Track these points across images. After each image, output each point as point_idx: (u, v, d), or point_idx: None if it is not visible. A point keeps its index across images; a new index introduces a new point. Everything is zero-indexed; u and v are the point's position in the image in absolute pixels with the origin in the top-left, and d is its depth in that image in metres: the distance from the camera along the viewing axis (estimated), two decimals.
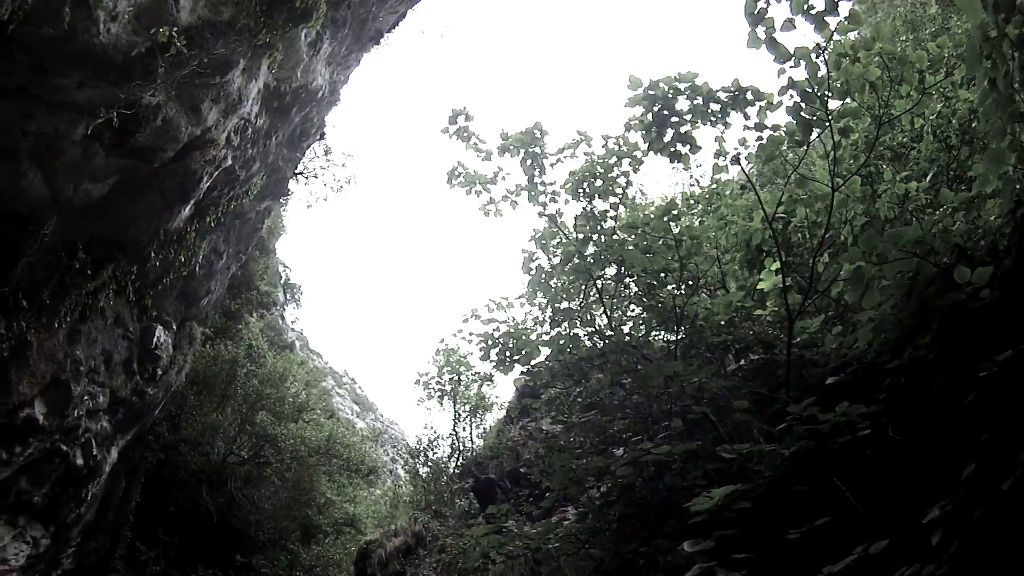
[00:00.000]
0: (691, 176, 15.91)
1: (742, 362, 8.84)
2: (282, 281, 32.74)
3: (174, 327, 17.10)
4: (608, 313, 10.40)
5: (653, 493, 8.60)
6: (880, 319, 6.13)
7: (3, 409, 11.87)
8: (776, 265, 8.36)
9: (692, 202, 11.30)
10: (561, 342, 10.79)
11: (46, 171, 10.62)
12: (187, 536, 22.11)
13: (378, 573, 24.33)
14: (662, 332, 10.30)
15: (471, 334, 11.69)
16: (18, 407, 12.10)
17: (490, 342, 11.24)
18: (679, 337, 9.49)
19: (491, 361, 11.40)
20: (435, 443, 24.94)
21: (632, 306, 11.22)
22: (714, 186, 10.99)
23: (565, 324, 11.02)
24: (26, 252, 11.14)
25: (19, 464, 13.06)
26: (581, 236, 10.24)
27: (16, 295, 11.27)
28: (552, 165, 10.44)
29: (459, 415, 24.24)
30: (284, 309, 34.15)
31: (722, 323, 8.96)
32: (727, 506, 6.50)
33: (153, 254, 14.09)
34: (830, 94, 7.57)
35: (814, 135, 7.85)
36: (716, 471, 7.32)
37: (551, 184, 10.56)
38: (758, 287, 8.77)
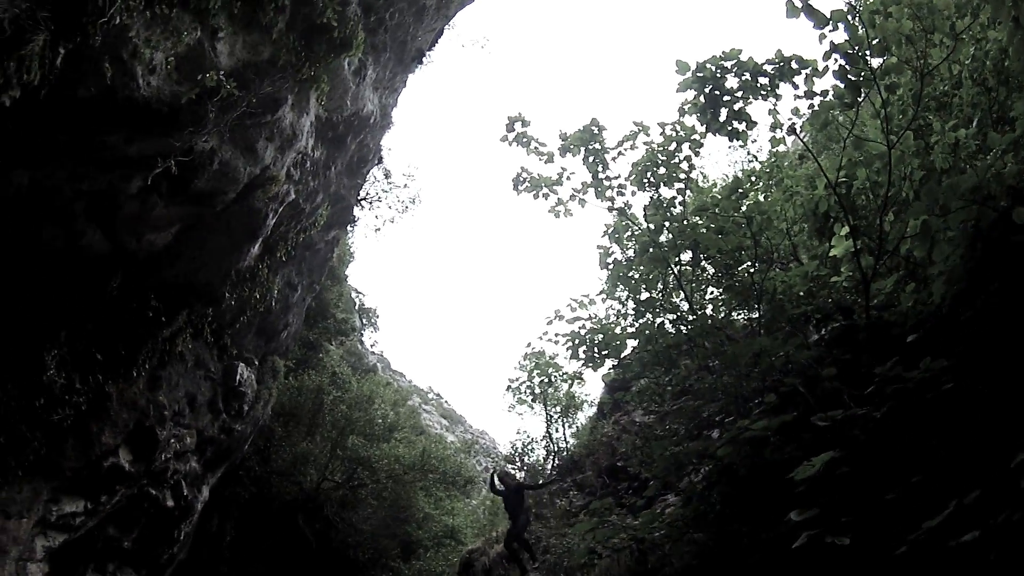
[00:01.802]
0: (748, 153, 16.20)
1: (823, 332, 9.15)
2: (357, 307, 33.57)
3: (256, 363, 17.75)
4: (688, 298, 10.78)
5: (753, 471, 9.00)
6: (950, 271, 6.42)
7: (87, 460, 12.42)
8: (845, 230, 8.65)
9: (754, 179, 11.58)
10: (647, 332, 11.20)
11: (105, 228, 10.95)
12: (286, 566, 22.79)
13: None
14: (743, 311, 10.63)
15: (557, 335, 12.06)
16: (102, 457, 12.67)
17: (577, 340, 11.66)
18: (760, 313, 9.85)
19: (580, 359, 11.84)
20: (529, 447, 25.52)
21: (710, 289, 11.57)
22: (773, 160, 11.29)
23: (648, 314, 11.44)
24: (95, 307, 11.60)
25: (106, 512, 13.64)
26: (653, 225, 10.63)
27: (90, 350, 11.74)
28: (614, 159, 10.80)
29: (551, 417, 24.76)
30: (362, 334, 34.96)
31: (800, 294, 9.29)
32: (827, 473, 6.92)
33: (227, 294, 14.58)
34: (870, 53, 7.89)
35: (862, 96, 8.16)
36: (812, 441, 7.70)
37: (615, 178, 10.92)
38: (830, 254, 9.08)
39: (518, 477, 24.35)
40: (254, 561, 21.65)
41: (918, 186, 7.96)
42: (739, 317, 11.06)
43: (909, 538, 5.68)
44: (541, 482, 21.85)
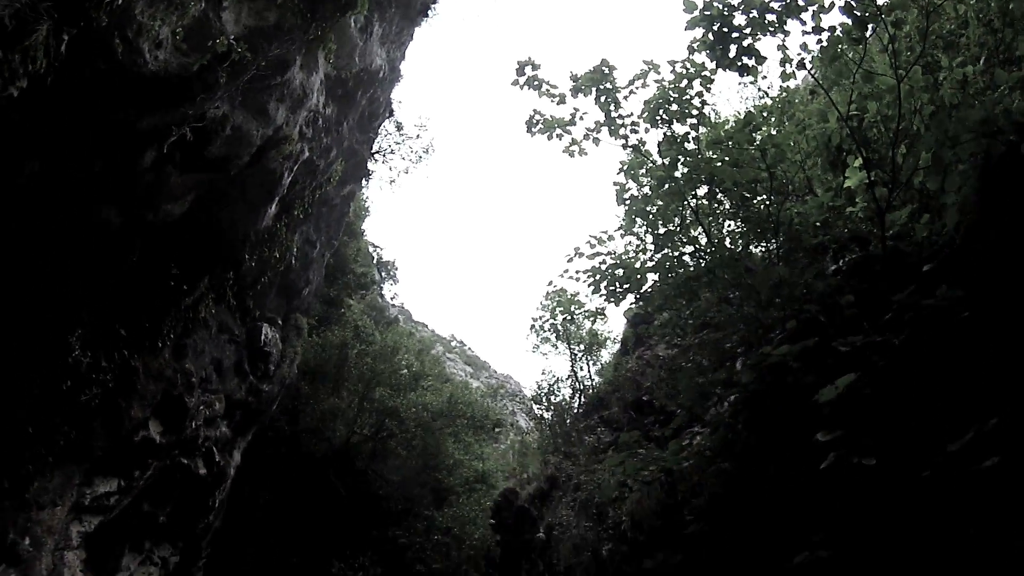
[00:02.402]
0: (759, 90, 16.30)
1: (840, 262, 9.43)
2: (375, 261, 33.89)
3: (279, 322, 18.15)
4: (706, 231, 11.06)
5: (776, 397, 9.38)
6: (962, 201, 6.71)
7: (117, 437, 12.71)
8: (858, 162, 8.88)
9: (766, 114, 11.75)
10: (667, 264, 11.54)
11: (121, 204, 11.25)
12: (319, 522, 23.50)
13: (515, 522, 25.57)
14: (760, 243, 10.91)
15: (577, 272, 12.40)
16: (132, 431, 13.00)
17: (598, 276, 12.02)
18: (777, 244, 10.13)
19: (601, 294, 12.20)
20: (555, 386, 25.95)
21: (727, 222, 11.83)
22: (784, 95, 11.47)
23: (667, 248, 11.74)
24: (116, 283, 11.89)
25: (140, 488, 13.96)
26: (667, 160, 10.89)
27: (113, 326, 12.01)
28: (625, 98, 11.02)
29: (575, 355, 25.14)
30: (382, 288, 35.28)
31: (816, 224, 9.57)
32: (850, 396, 7.29)
33: (247, 256, 15.00)
34: None
35: (869, 31, 8.36)
36: (833, 367, 8.04)
37: (628, 116, 11.15)
38: (845, 185, 9.32)
39: (545, 418, 24.86)
40: (288, 522, 22.18)
41: (928, 119, 8.17)
42: (757, 250, 11.32)
43: (933, 462, 6.05)
44: None
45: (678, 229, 11.65)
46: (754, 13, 8.75)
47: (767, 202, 10.06)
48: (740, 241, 11.20)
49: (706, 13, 8.90)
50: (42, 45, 7.71)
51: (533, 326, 25.47)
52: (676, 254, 11.65)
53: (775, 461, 9.51)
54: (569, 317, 24.69)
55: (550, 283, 25.28)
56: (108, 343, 11.93)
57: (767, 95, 14.13)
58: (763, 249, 11.11)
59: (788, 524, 8.97)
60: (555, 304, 24.39)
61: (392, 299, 38.29)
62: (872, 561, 7.08)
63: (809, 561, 7.75)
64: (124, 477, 13.32)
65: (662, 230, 11.76)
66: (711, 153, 10.58)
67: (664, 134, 10.94)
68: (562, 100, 11.40)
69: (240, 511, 19.59)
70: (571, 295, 23.21)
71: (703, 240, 11.34)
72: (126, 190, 11.14)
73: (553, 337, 25.47)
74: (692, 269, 11.16)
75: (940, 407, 6.15)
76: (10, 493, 10.78)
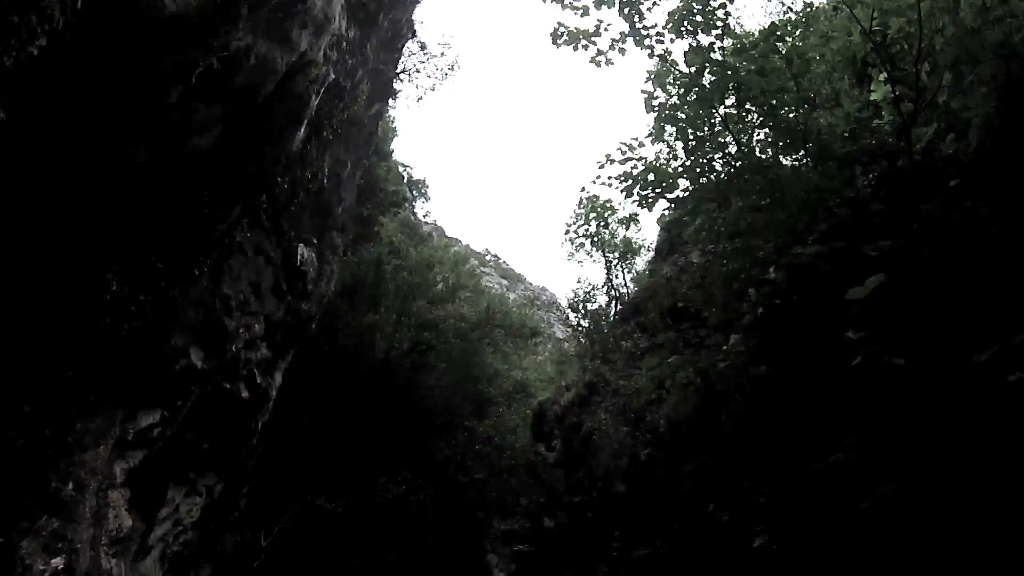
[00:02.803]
0: (783, 4, 16.12)
1: (870, 176, 9.56)
2: (405, 181, 33.91)
3: (314, 242, 18.21)
4: (736, 139, 11.20)
5: (807, 298, 9.65)
6: (984, 121, 6.84)
7: (159, 368, 12.72)
8: (883, 76, 8.98)
9: (789, 28, 11.71)
10: (698, 170, 11.74)
11: (149, 143, 11.07)
12: (361, 439, 24.02)
13: (555, 429, 26.21)
14: (789, 153, 11.02)
15: (609, 178, 12.54)
16: (173, 360, 13.02)
17: (630, 180, 12.19)
18: (807, 152, 10.27)
19: (634, 200, 12.42)
20: (591, 294, 26.32)
21: (756, 133, 11.93)
22: (807, 9, 11.43)
23: (698, 154, 11.90)
24: (149, 218, 11.67)
25: (182, 417, 14.01)
26: (694, 68, 10.99)
27: (149, 260, 11.91)
28: (649, 9, 11.10)
29: (610, 263, 25.42)
30: (413, 206, 35.27)
31: (844, 135, 9.68)
32: (879, 299, 7.55)
33: (279, 180, 14.97)
34: None
35: None
36: (862, 271, 8.27)
37: (652, 27, 11.26)
38: (871, 99, 9.41)
39: (581, 326, 25.28)
40: (330, 441, 22.69)
41: (949, 39, 8.22)
42: (786, 160, 11.44)
43: (960, 370, 6.32)
44: None
45: (708, 137, 11.78)
46: None
47: (795, 111, 10.16)
48: (770, 151, 11.31)
49: None
50: (58, 2, 7.70)
51: (567, 231, 25.76)
52: (706, 160, 11.82)
53: (807, 363, 9.82)
54: (603, 223, 24.91)
55: (582, 189, 25.47)
56: (145, 277, 11.94)
57: (791, 9, 14.04)
58: (793, 160, 11.23)
59: (821, 427, 9.34)
60: (588, 210, 24.59)
61: (424, 217, 38.29)
62: (900, 464, 7.43)
63: (841, 462, 8.11)
64: (167, 408, 13.43)
65: (692, 138, 11.90)
66: (738, 62, 10.64)
67: (689, 44, 11.02)
68: (585, 12, 11.49)
69: (282, 434, 19.87)
70: (603, 202, 23.39)
71: (733, 149, 11.48)
72: (154, 129, 11.01)
73: (588, 244, 25.76)
74: (723, 174, 11.34)
75: (966, 318, 6.39)
76: (52, 440, 10.87)
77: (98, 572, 11.84)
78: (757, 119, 11.41)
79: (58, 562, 10.80)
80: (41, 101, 9.29)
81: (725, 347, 12.90)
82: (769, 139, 11.27)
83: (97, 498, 11.85)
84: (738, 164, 11.17)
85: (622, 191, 12.32)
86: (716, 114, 11.08)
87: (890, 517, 7.74)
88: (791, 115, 10.33)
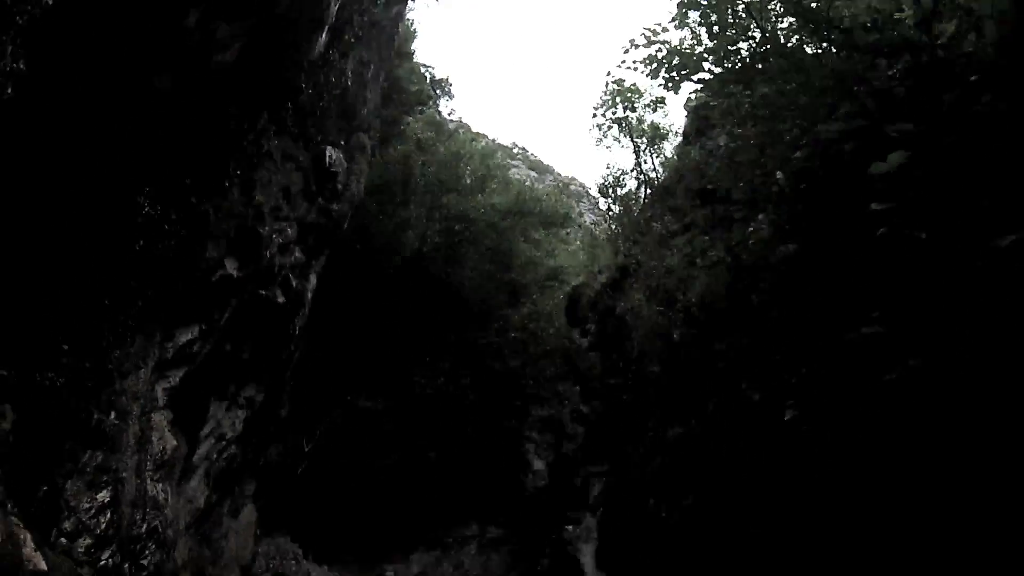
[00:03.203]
0: None
1: (894, 69, 9.66)
2: (428, 81, 33.67)
3: (342, 144, 18.44)
4: (760, 25, 11.29)
5: (831, 176, 9.92)
6: (1000, 15, 7.00)
7: (195, 282, 12.95)
8: None
9: None
10: (722, 53, 11.86)
11: (173, 68, 11.24)
12: (397, 335, 24.64)
13: (589, 313, 26.66)
14: (812, 40, 11.09)
15: (635, 62, 12.75)
16: (209, 272, 13.25)
17: (655, 64, 12.42)
18: (830, 39, 10.37)
19: (660, 82, 12.59)
20: (620, 179, 26.45)
21: (780, 21, 11.96)
22: None
23: (721, 38, 12.01)
24: (177, 137, 11.85)
25: (221, 329, 14.27)
26: None
27: (179, 178, 12.08)
28: None
29: (638, 148, 25.47)
30: (438, 104, 34.98)
31: (867, 25, 9.76)
32: (901, 177, 7.85)
33: (303, 86, 15.10)
34: None
35: None
36: (885, 151, 8.52)
37: None
38: None
39: (612, 210, 25.48)
40: (367, 340, 23.30)
41: None
42: (809, 49, 11.51)
43: (981, 253, 6.66)
44: None
45: (732, 22, 11.86)
46: None
47: (817, 1, 10.24)
48: (794, 38, 11.39)
49: None
50: None
51: (594, 115, 25.73)
52: (731, 45, 11.93)
53: (834, 239, 10.14)
54: (629, 107, 24.88)
55: (608, 74, 25.36)
56: (176, 195, 12.14)
57: None
58: (816, 48, 11.31)
59: (848, 302, 9.73)
60: (614, 94, 24.55)
61: (449, 115, 37.83)
62: (926, 339, 7.83)
63: (868, 335, 8.50)
64: (205, 321, 13.67)
65: (715, 23, 11.99)
66: None
67: None
68: None
69: (319, 338, 20.35)
70: (629, 86, 23.34)
71: (757, 35, 11.57)
72: (176, 54, 11.19)
73: (615, 129, 25.76)
74: (749, 57, 11.47)
75: (987, 204, 6.67)
76: (91, 372, 11.01)
77: (144, 499, 12.27)
78: (780, 7, 11.47)
79: (103, 496, 11.21)
80: (62, 48, 9.48)
81: (753, 225, 13.20)
82: (792, 27, 11.33)
83: (140, 423, 12.23)
84: (762, 49, 11.29)
85: (648, 74, 12.52)
86: (740, 1, 11.16)
87: (916, 389, 8.19)
88: (814, 3, 10.39)
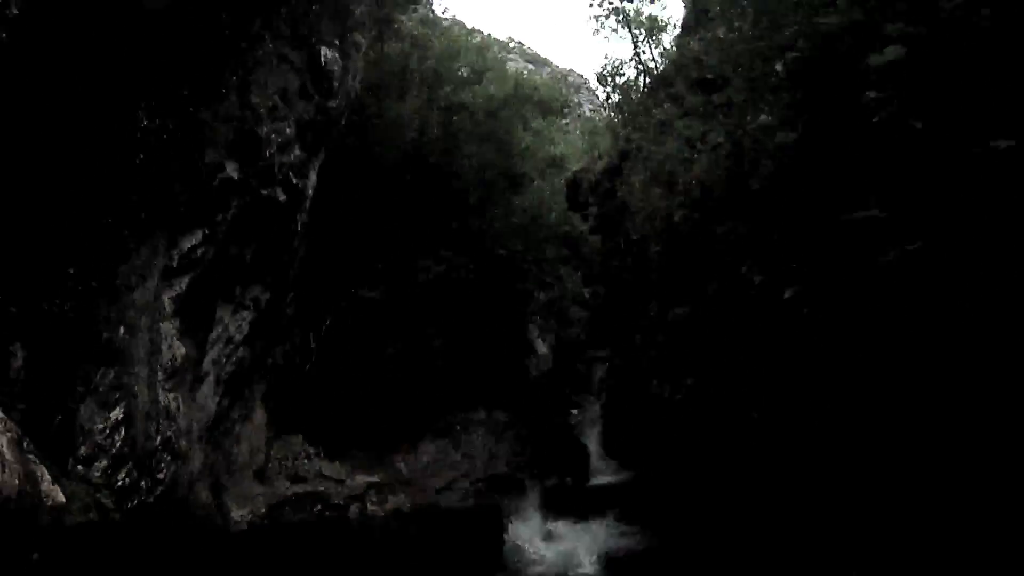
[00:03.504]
0: None
1: None
2: None
3: (336, 43, 18.49)
4: None
5: (830, 67, 10.06)
6: None
7: (197, 187, 13.19)
8: None
9: None
10: None
11: None
12: (399, 227, 24.90)
13: (589, 197, 26.83)
14: None
15: None
16: (211, 176, 13.48)
17: None
18: None
19: None
20: (619, 68, 26.27)
21: None
22: None
23: None
24: (170, 49, 11.87)
25: (224, 231, 14.51)
26: None
27: (176, 89, 12.17)
28: None
29: (636, 39, 25.24)
30: (431, 3, 34.30)
31: None
32: (899, 70, 8.02)
33: None
34: None
35: None
36: (882, 46, 8.67)
37: None
38: None
39: (611, 98, 25.38)
40: (369, 234, 23.48)
41: None
42: None
43: (979, 150, 6.90)
44: None
45: None
46: None
47: None
48: None
49: None
50: None
51: (591, 5, 25.46)
52: None
53: (832, 126, 10.33)
54: None
55: None
56: (175, 106, 12.27)
57: None
58: None
59: (846, 189, 9.98)
60: None
61: (443, 13, 37.08)
62: (919, 223, 8.12)
63: (865, 219, 8.79)
64: (208, 225, 13.90)
65: None
66: None
67: None
68: None
69: (321, 235, 20.66)
70: None
71: None
72: None
73: (613, 20, 25.52)
74: None
75: (983, 106, 6.88)
76: (99, 290, 11.28)
77: (157, 411, 12.72)
78: None
79: (117, 413, 11.65)
80: None
81: (751, 115, 13.34)
82: None
83: (149, 334, 12.59)
84: None
85: None
86: None
87: (913, 271, 8.52)
88: None
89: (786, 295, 11.11)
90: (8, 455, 9.04)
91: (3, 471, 8.82)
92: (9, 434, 9.30)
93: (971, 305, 7.91)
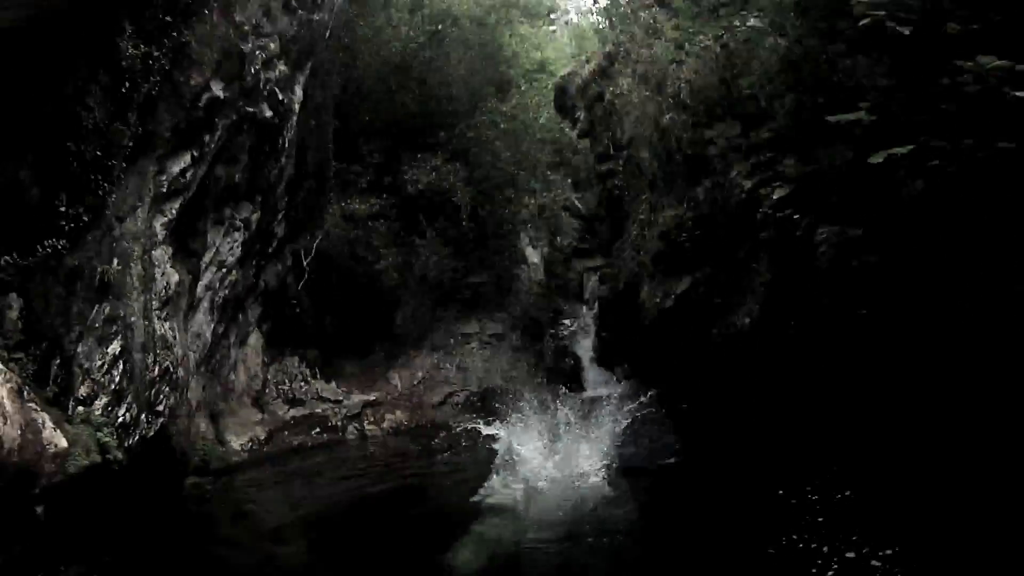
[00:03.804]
0: None
1: None
2: None
3: None
4: None
5: None
6: None
7: (183, 110, 13.05)
8: None
9: None
10: None
11: None
12: (387, 135, 24.69)
13: (578, 101, 26.57)
14: None
15: None
16: (196, 98, 13.30)
17: None
18: None
19: None
20: None
21: None
22: None
23: None
24: None
25: (212, 152, 14.48)
26: None
27: (157, 17, 12.02)
28: None
29: None
30: None
31: None
32: None
33: None
34: None
35: None
36: None
37: None
38: None
39: (598, 4, 24.85)
40: (355, 146, 23.41)
41: None
42: None
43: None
44: None
45: None
46: None
47: None
48: None
49: None
50: None
51: None
52: None
53: (822, 33, 10.17)
54: None
55: None
56: (158, 31, 12.17)
57: None
58: None
59: (836, 94, 9.85)
60: None
61: None
62: (904, 127, 8.02)
63: (853, 120, 8.66)
64: (195, 147, 13.83)
65: None
66: None
67: None
68: None
69: (311, 151, 20.58)
70: None
71: None
72: None
73: None
74: None
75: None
76: (91, 224, 11.39)
77: (153, 340, 12.73)
78: None
79: (114, 347, 11.74)
80: None
81: (739, 20, 13.15)
82: None
83: (142, 263, 12.58)
84: None
85: None
86: None
87: (902, 173, 8.46)
88: None
89: (775, 196, 11.10)
90: (8, 406, 9.16)
91: (4, 423, 8.90)
92: (9, 385, 9.40)
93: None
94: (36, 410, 9.77)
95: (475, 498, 14.14)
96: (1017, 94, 6.52)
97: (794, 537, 9.33)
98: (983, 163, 7.14)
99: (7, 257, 10.24)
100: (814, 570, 8.62)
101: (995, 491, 7.92)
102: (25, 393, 9.70)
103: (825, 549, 8.90)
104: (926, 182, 7.82)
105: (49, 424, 9.87)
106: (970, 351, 8.45)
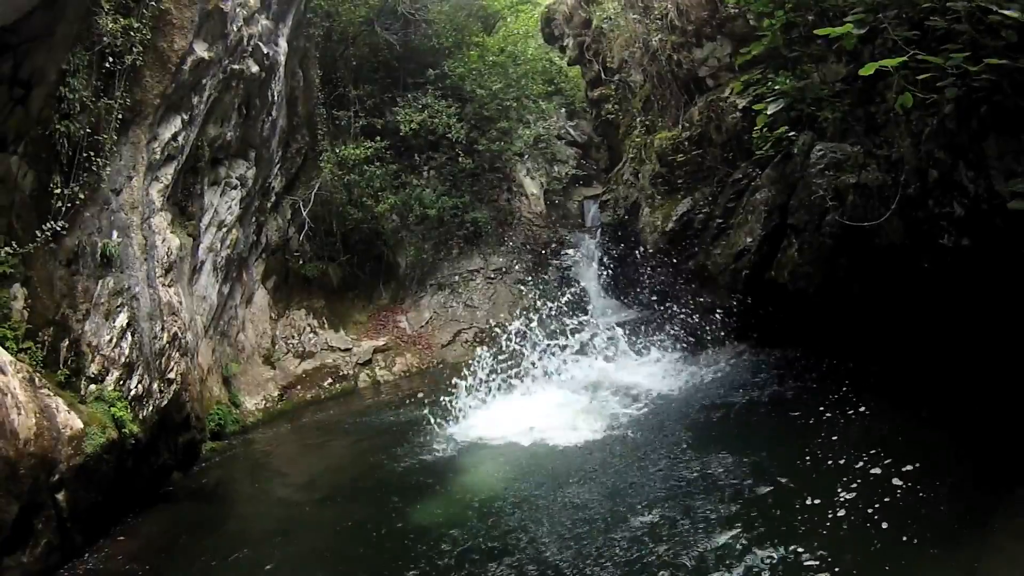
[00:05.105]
0: None
1: None
2: None
3: None
4: None
5: None
6: None
7: (170, 77, 12.94)
8: None
9: None
10: None
11: None
12: (377, 80, 24.60)
13: (565, 28, 26.39)
14: None
15: None
16: (181, 62, 13.18)
17: None
18: None
19: None
20: None
21: None
22: None
23: None
24: None
25: (202, 112, 14.47)
26: None
27: None
28: None
29: None
30: None
31: None
32: None
33: None
34: None
35: None
36: None
37: None
38: None
39: None
40: (343, 93, 23.04)
41: None
42: None
43: None
44: None
45: None
46: None
47: None
48: None
49: None
50: None
51: None
52: None
53: None
54: None
55: None
56: (135, 2, 12.17)
57: None
58: None
59: (824, 12, 9.88)
60: None
61: None
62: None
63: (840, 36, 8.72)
64: (185, 110, 13.83)
65: None
66: None
67: None
68: None
69: (300, 102, 20.54)
70: None
71: None
72: None
73: None
74: None
75: None
76: (88, 201, 11.52)
77: (159, 307, 12.79)
78: None
79: (122, 320, 11.84)
80: None
81: None
82: None
83: (142, 232, 12.63)
84: None
85: None
86: None
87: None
88: None
89: (769, 110, 11.18)
90: (21, 396, 9.25)
91: (19, 413, 9.04)
92: (20, 375, 9.50)
93: None
94: (49, 395, 9.88)
95: None
96: (1006, 12, 6.58)
97: None
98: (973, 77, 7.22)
99: (7, 248, 10.37)
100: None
101: None
102: (36, 380, 9.83)
103: None
104: (915, 96, 7.89)
105: (63, 407, 9.98)
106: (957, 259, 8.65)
